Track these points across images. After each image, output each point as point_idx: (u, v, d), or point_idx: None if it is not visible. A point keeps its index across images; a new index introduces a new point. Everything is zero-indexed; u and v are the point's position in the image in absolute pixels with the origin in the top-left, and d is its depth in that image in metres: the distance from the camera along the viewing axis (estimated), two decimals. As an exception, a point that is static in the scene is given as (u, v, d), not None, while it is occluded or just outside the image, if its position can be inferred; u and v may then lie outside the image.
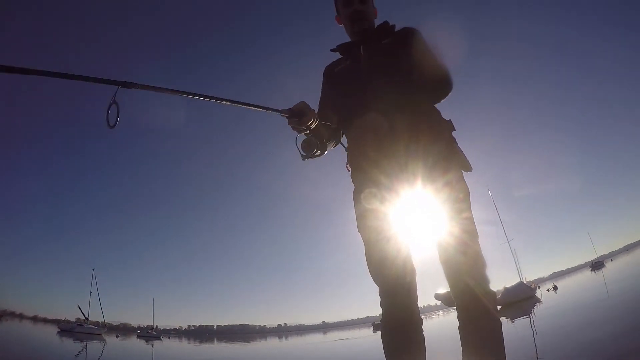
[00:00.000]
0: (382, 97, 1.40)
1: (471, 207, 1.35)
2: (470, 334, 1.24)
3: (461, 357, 1.27)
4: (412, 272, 1.36)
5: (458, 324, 1.28)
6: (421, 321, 1.34)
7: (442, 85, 1.43)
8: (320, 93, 1.67)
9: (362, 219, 1.42)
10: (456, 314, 1.30)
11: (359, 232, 1.43)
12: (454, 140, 1.45)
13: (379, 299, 1.36)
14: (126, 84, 1.17)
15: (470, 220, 1.33)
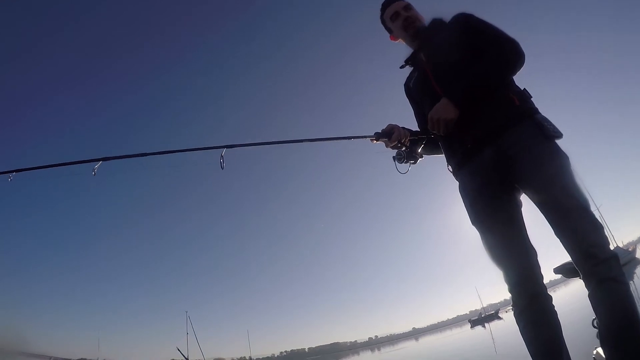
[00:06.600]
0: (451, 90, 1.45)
1: (572, 171, 1.34)
2: (601, 301, 1.22)
3: (592, 324, 1.27)
4: (534, 252, 1.40)
5: (587, 292, 1.26)
6: (550, 297, 1.36)
7: (513, 56, 1.43)
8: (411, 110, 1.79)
9: (474, 210, 1.48)
10: (577, 284, 1.27)
11: (473, 224, 1.48)
12: (534, 110, 1.44)
13: (505, 285, 1.40)
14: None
15: (576, 186, 1.31)
